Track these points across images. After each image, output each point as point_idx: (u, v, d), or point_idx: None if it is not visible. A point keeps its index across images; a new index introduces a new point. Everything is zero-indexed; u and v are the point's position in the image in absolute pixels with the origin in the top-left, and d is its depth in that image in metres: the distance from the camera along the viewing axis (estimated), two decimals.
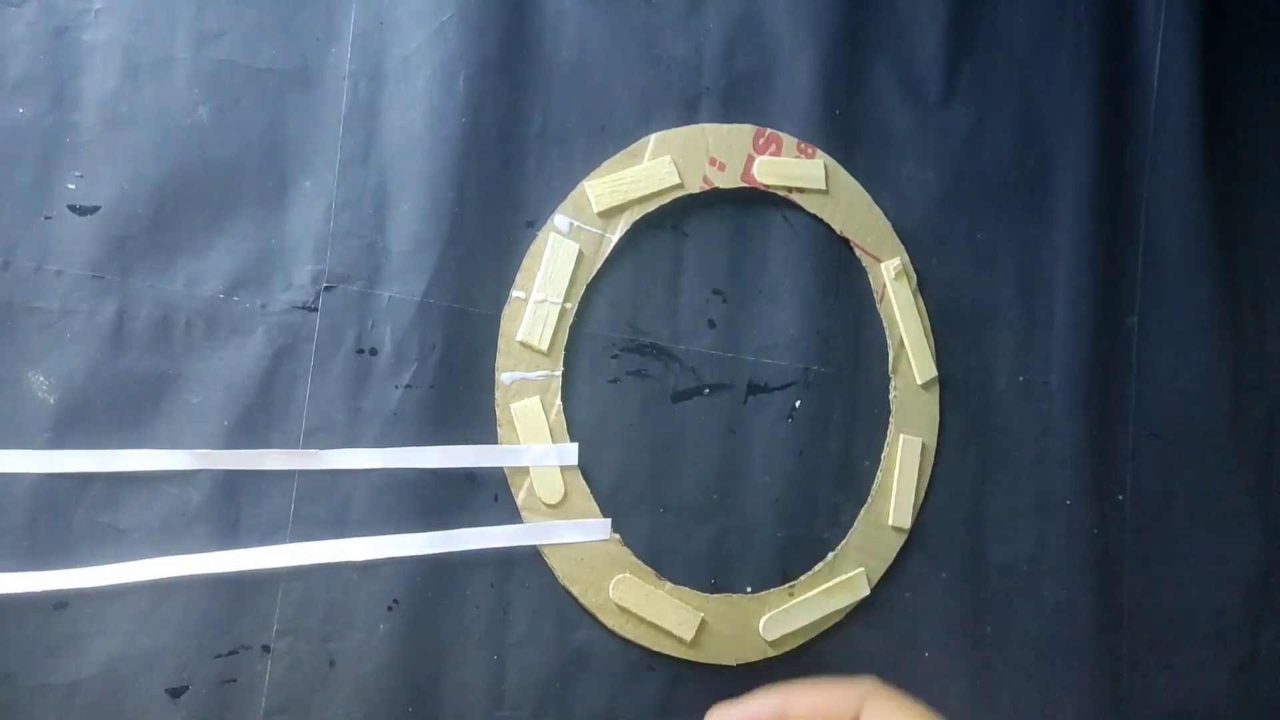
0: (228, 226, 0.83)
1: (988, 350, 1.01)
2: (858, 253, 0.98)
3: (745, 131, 0.95)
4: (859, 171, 0.98)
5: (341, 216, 0.85)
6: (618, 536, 0.89)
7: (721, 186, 0.94)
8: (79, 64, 0.81)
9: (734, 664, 0.91)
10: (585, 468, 0.89)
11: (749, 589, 0.93)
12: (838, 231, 0.97)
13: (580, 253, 0.90)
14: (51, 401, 0.79)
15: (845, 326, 0.98)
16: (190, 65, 0.83)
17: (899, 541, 0.97)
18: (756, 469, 0.94)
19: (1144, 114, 1.07)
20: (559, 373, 0.89)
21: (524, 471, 0.87)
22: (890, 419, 0.98)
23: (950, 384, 1.00)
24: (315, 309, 0.85)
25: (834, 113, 0.98)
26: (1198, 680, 1.03)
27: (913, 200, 1.00)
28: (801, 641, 0.93)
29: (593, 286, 0.91)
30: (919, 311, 0.99)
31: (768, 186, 0.95)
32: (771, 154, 0.95)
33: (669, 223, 0.94)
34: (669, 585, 0.90)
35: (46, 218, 0.80)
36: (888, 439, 0.97)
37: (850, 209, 0.97)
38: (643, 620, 0.89)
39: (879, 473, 0.97)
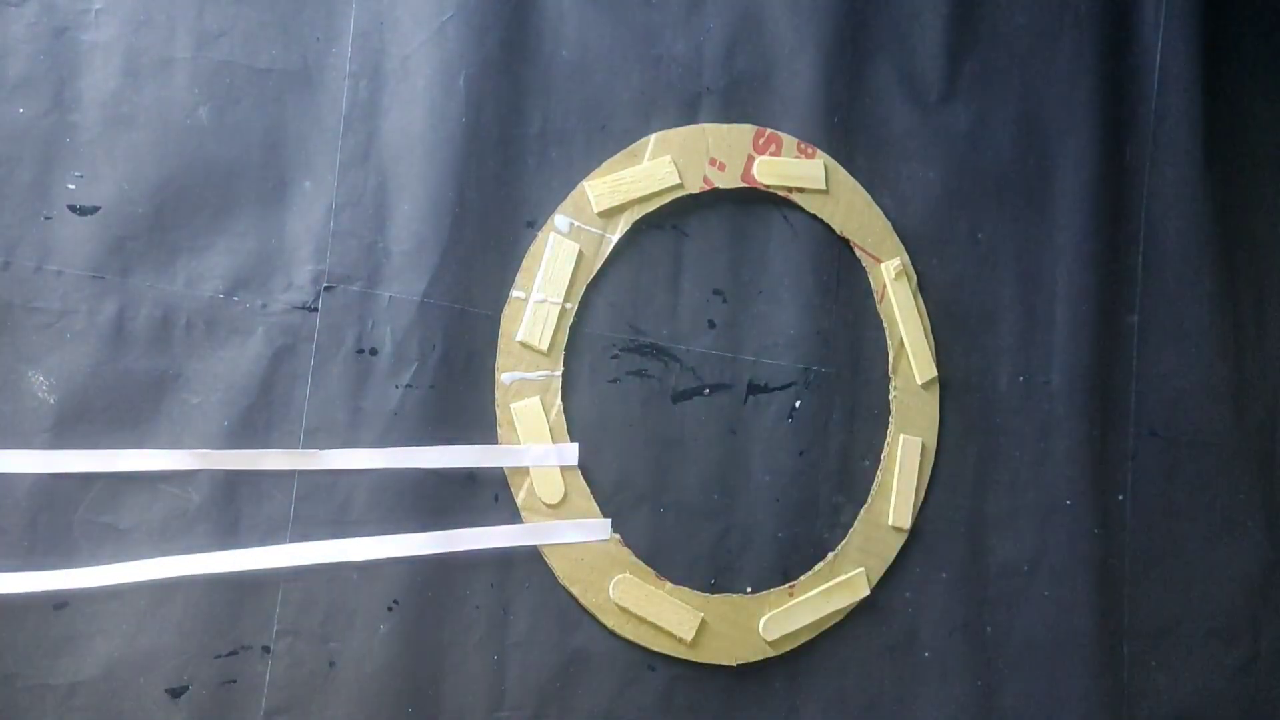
0: (228, 226, 0.83)
1: (988, 350, 1.01)
2: (858, 253, 0.98)
3: (745, 131, 0.95)
4: (859, 171, 0.98)
5: (341, 216, 0.85)
6: (618, 536, 0.89)
7: (721, 186, 0.94)
8: (79, 64, 0.81)
9: (734, 664, 0.91)
10: (585, 468, 0.89)
11: (749, 589, 0.93)
12: (838, 231, 0.97)
13: (580, 253, 0.90)
14: (51, 401, 0.79)
15: (845, 326, 0.98)
16: (190, 65, 0.83)
17: (899, 541, 0.97)
18: (757, 469, 0.94)
19: (1144, 114, 1.07)
20: (559, 373, 0.89)
21: (524, 471, 0.87)
22: (890, 419, 0.98)
23: (950, 384, 1.00)
24: (315, 309, 0.85)
25: (834, 113, 0.98)
26: (1198, 680, 1.03)
27: (913, 200, 1.00)
28: (801, 641, 0.93)
29: (593, 286, 0.91)
30: (919, 311, 0.99)
31: (768, 186, 0.95)
32: (771, 154, 0.95)
33: (669, 223, 0.94)
34: (669, 585, 0.90)
35: (46, 218, 0.80)
36: (888, 439, 0.97)
37: (850, 209, 0.97)
38: (643, 620, 0.89)
39: (879, 473, 0.97)
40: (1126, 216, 1.06)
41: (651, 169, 0.92)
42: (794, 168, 0.95)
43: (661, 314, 0.93)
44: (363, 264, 0.85)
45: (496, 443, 0.87)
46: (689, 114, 0.94)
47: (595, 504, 0.89)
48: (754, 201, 0.96)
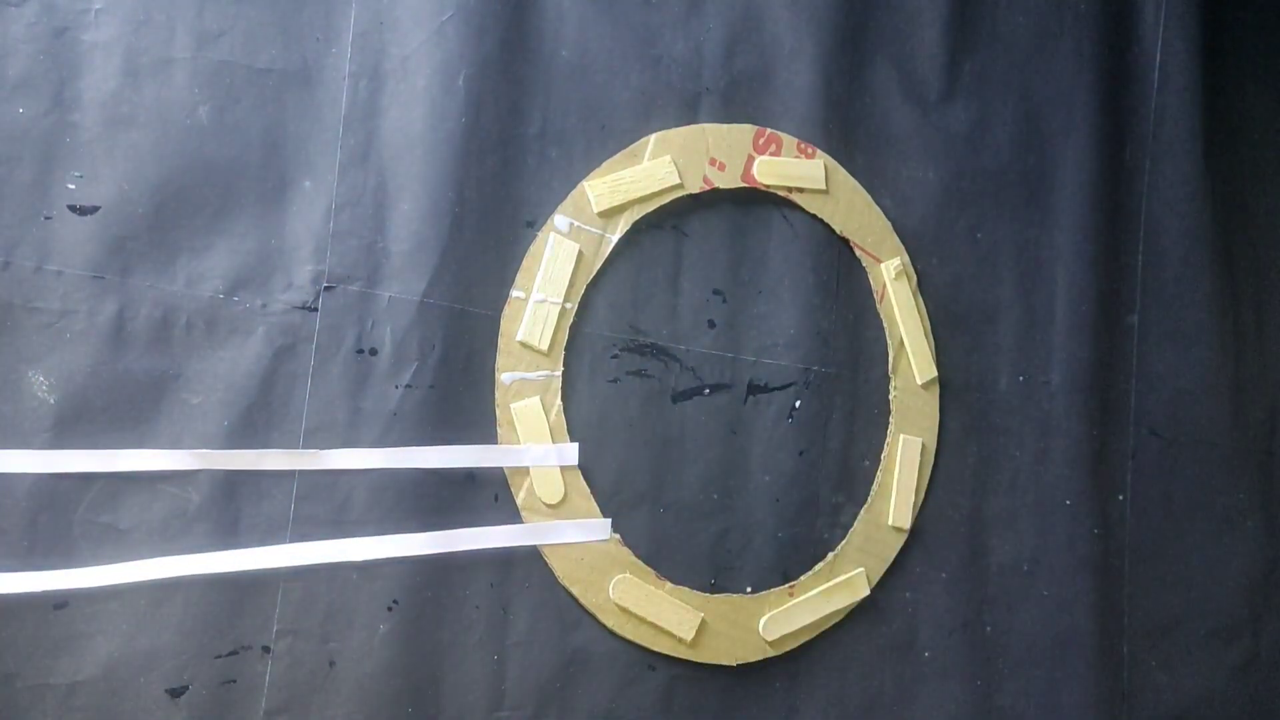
0: (228, 226, 0.83)
1: (988, 350, 1.01)
2: (858, 253, 0.98)
3: (745, 131, 0.95)
4: (859, 171, 0.98)
5: (341, 216, 0.85)
6: (618, 536, 0.89)
7: (721, 186, 0.94)
8: (79, 64, 0.81)
9: (734, 664, 0.91)
10: (585, 468, 0.89)
11: (749, 589, 0.93)
12: (838, 231, 0.97)
13: (580, 253, 0.90)
14: (51, 401, 0.79)
15: (845, 326, 0.98)
16: (190, 65, 0.83)
17: (899, 541, 0.97)
18: (757, 469, 0.94)
19: (1144, 113, 1.07)
20: (559, 373, 0.89)
21: (524, 471, 0.87)
22: (890, 419, 0.98)
23: (950, 384, 1.00)
24: (315, 309, 0.85)
25: (834, 113, 0.98)
26: (1199, 679, 1.03)
27: (913, 200, 1.00)
28: (801, 641, 0.93)
29: (593, 286, 0.91)
30: (919, 311, 0.99)
31: (768, 186, 0.95)
32: (771, 154, 0.95)
33: (669, 223, 0.94)
34: (669, 585, 0.90)
35: (46, 218, 0.80)
36: (888, 439, 0.97)
37: (850, 209, 0.97)
38: (643, 620, 0.89)
39: (879, 473, 0.97)
40: (1126, 216, 1.06)
41: (651, 169, 0.92)
42: (794, 168, 0.95)
43: (661, 314, 0.93)
44: (363, 264, 0.85)
45: (496, 443, 0.87)
46: (689, 114, 0.94)
47: (595, 504, 0.89)
48: (754, 201, 0.96)
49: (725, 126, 0.95)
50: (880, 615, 0.96)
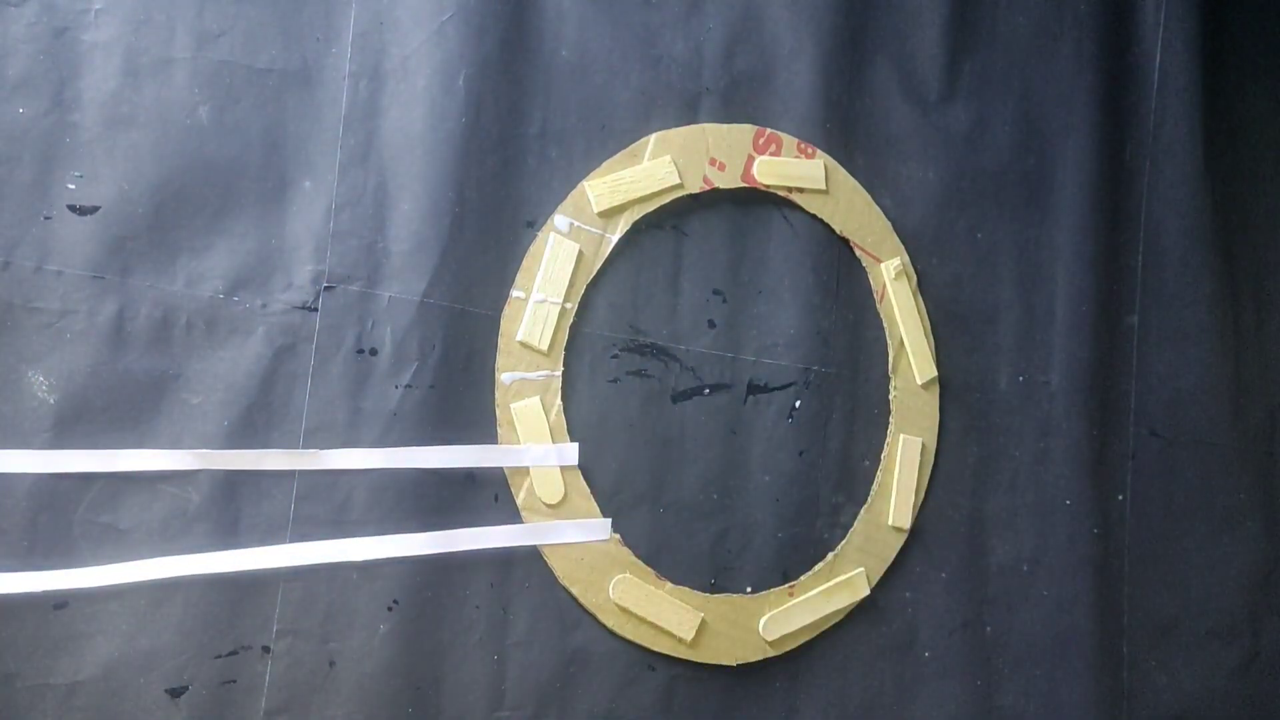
0: (228, 226, 0.83)
1: (988, 350, 1.01)
2: (858, 253, 0.98)
3: (745, 131, 0.95)
4: (859, 171, 0.98)
5: (341, 216, 0.85)
6: (618, 536, 0.89)
7: (721, 186, 0.94)
8: (79, 64, 0.81)
9: (734, 664, 0.91)
10: (585, 468, 0.89)
11: (749, 589, 0.93)
12: (838, 231, 0.97)
13: (580, 253, 0.90)
14: (51, 401, 0.79)
15: (845, 326, 0.98)
16: (190, 65, 0.83)
17: (899, 541, 0.97)
18: (757, 469, 0.94)
19: (1144, 114, 1.07)
20: (559, 373, 0.89)
21: (524, 471, 0.87)
22: (890, 419, 0.98)
23: (950, 384, 1.00)
24: (315, 309, 0.85)
25: (834, 113, 0.98)
26: (1198, 679, 1.03)
27: (913, 200, 1.00)
28: (801, 641, 0.93)
29: (593, 286, 0.91)
30: (919, 311, 0.99)
31: (768, 186, 0.95)
32: (771, 154, 0.95)
33: (669, 223, 0.94)
34: (669, 585, 0.90)
35: (46, 218, 0.80)
36: (888, 439, 0.97)
37: (850, 209, 0.97)
38: (643, 620, 0.89)
39: (879, 473, 0.97)
40: (1126, 216, 1.06)
41: (651, 169, 0.92)
42: (794, 168, 0.95)
43: (661, 314, 0.93)
44: (363, 264, 0.85)
45: (496, 443, 0.87)
46: (689, 114, 0.94)
47: (595, 504, 0.89)
48: (754, 201, 0.96)
49: (725, 126, 0.95)
50: (880, 615, 0.96)
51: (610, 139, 0.92)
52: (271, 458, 0.82)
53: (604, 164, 0.91)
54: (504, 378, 0.88)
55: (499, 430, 0.87)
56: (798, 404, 0.95)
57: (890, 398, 0.98)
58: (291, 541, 0.82)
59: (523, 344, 0.88)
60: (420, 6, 0.87)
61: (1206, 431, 1.06)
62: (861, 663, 0.94)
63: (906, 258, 0.99)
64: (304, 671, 0.82)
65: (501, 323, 0.88)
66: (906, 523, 0.96)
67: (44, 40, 0.80)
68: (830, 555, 0.95)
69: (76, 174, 0.80)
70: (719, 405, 0.94)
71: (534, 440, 0.87)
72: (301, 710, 0.81)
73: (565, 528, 0.88)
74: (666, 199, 0.92)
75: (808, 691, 0.93)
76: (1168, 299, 1.06)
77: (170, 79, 0.83)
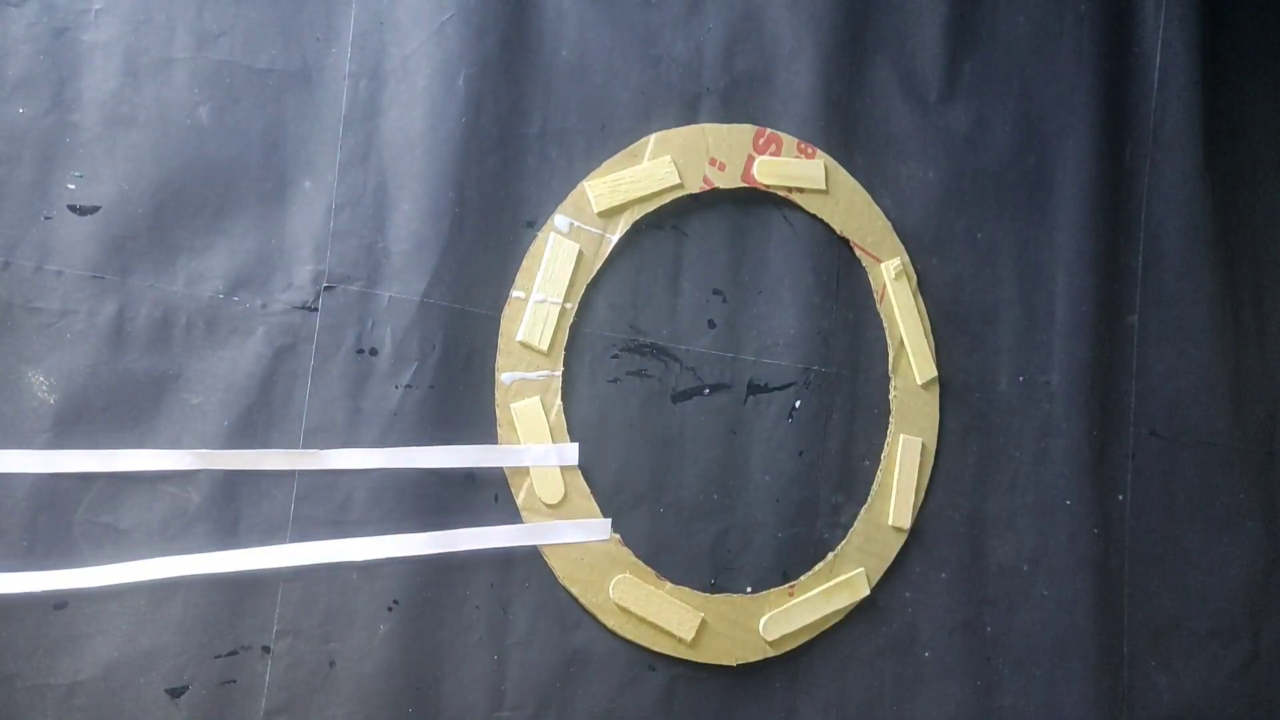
0: (228, 226, 0.83)
1: (988, 350, 1.01)
2: (858, 253, 0.98)
3: (745, 131, 0.95)
4: (859, 171, 0.98)
5: (341, 216, 0.85)
6: (618, 536, 0.89)
7: (721, 186, 0.94)
8: (79, 64, 0.81)
9: (734, 664, 0.91)
10: (585, 468, 0.89)
11: (749, 589, 0.93)
12: (838, 231, 0.97)
13: (580, 253, 0.90)
14: (51, 401, 0.79)
15: (845, 326, 0.98)
16: (190, 65, 0.83)
17: (899, 541, 0.97)
18: (757, 469, 0.94)
19: (1144, 114, 1.07)
20: (559, 373, 0.89)
21: (524, 471, 0.87)
22: (890, 419, 0.98)
23: (950, 384, 1.00)
24: (315, 309, 0.85)
25: (834, 113, 0.98)
26: (1199, 679, 1.03)
27: (913, 200, 1.00)
28: (801, 641, 0.93)
29: (593, 286, 0.91)
30: (919, 311, 0.99)
31: (768, 186, 0.95)
32: (771, 154, 0.95)
33: (669, 223, 0.94)
34: (669, 585, 0.90)
35: (46, 218, 0.80)
36: (888, 439, 0.97)
37: (850, 209, 0.97)
38: (643, 620, 0.89)
39: (879, 473, 0.97)
40: (1126, 216, 1.06)
41: (651, 169, 0.92)
42: (794, 168, 0.95)
43: (661, 314, 0.93)
44: (363, 264, 0.85)
45: (496, 443, 0.87)
46: (689, 114, 0.94)
47: (595, 504, 0.89)
48: (754, 201, 0.96)
49: (725, 126, 0.95)
50: (880, 615, 0.96)
51: (610, 139, 0.92)
52: (271, 458, 0.82)
53: (604, 164, 0.91)
54: (504, 378, 0.88)
55: (499, 430, 0.87)
56: (798, 404, 0.95)
57: (890, 398, 0.98)
58: (291, 541, 0.82)
59: (523, 344, 0.88)
60: (420, 6, 0.87)
61: (1206, 431, 1.06)
62: (861, 663, 0.94)
63: (906, 258, 0.99)
64: (304, 671, 0.82)
65: (501, 323, 0.88)
66: (906, 523, 0.96)
67: (44, 40, 0.80)
68: (830, 555, 0.94)
69: (76, 174, 0.80)
70: (719, 405, 0.94)
71: (534, 440, 0.87)
72: (301, 710, 0.81)
73: (565, 528, 0.88)
74: (666, 199, 0.92)
75: (808, 691, 0.93)
76: (1168, 299, 1.06)
77: (170, 79, 0.83)
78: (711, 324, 0.94)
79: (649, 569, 0.90)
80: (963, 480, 0.99)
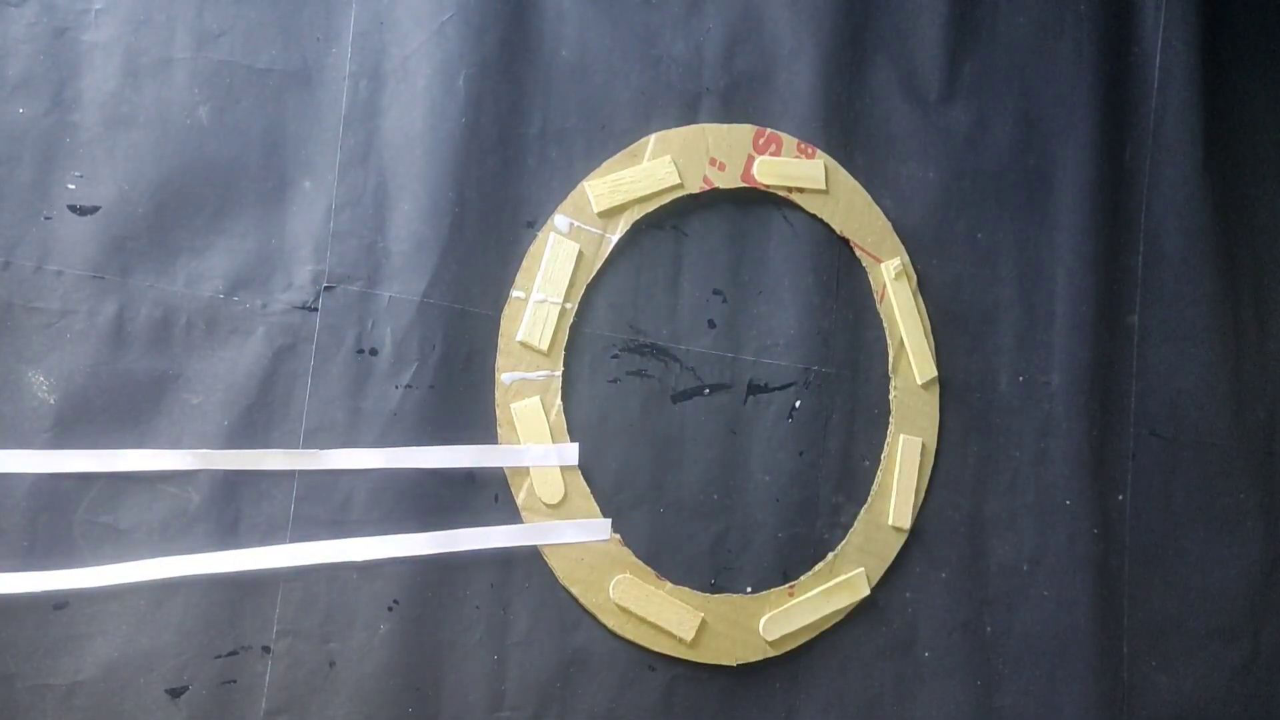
0: (228, 226, 0.83)
1: (988, 350, 1.01)
2: (858, 253, 0.98)
3: (745, 131, 0.95)
4: (859, 171, 0.98)
5: (341, 216, 0.85)
6: (618, 536, 0.89)
7: (721, 186, 0.94)
8: (79, 64, 0.81)
9: (734, 664, 0.91)
10: (585, 468, 0.89)
11: (749, 589, 0.93)
12: (838, 231, 0.97)
13: (580, 253, 0.90)
14: (51, 401, 0.79)
15: (845, 326, 0.98)
16: (190, 65, 0.83)
17: (899, 541, 0.97)
18: (757, 469, 0.94)
19: (1144, 114, 1.07)
20: (559, 373, 0.89)
21: (524, 471, 0.87)
22: (890, 419, 0.98)
23: (950, 384, 1.00)
24: (315, 309, 0.85)
25: (834, 113, 0.98)
26: (1199, 679, 1.03)
27: (913, 200, 1.00)
28: (801, 641, 0.93)
29: (593, 286, 0.91)
30: (919, 311, 0.99)
31: (768, 186, 0.95)
32: (771, 154, 0.95)
33: (669, 223, 0.94)
34: (669, 585, 0.90)
35: (46, 218, 0.80)
36: (888, 439, 0.97)
37: (850, 209, 0.97)
38: (643, 620, 0.89)
39: (879, 473, 0.97)
40: (1126, 216, 1.06)
41: (651, 169, 0.92)
42: (794, 168, 0.95)
43: (661, 314, 0.93)
44: (363, 264, 0.85)
45: (496, 443, 0.87)
46: (689, 114, 0.94)
47: (595, 504, 0.89)
48: (754, 201, 0.96)
49: (725, 126, 0.95)
50: (880, 615, 0.96)
51: (610, 139, 0.92)
52: (271, 458, 0.82)
53: (604, 164, 0.91)
54: (504, 378, 0.88)
55: (499, 430, 0.87)
56: (798, 404, 0.95)
57: (890, 398, 0.98)
58: (291, 541, 0.82)
59: (523, 344, 0.88)
60: (420, 6, 0.87)
61: (1207, 431, 1.06)
62: (861, 663, 0.94)
63: (906, 258, 0.99)
64: (304, 671, 0.82)
65: (501, 323, 0.88)
66: (906, 523, 0.96)
67: (44, 40, 0.80)
68: (830, 555, 0.94)
69: (76, 174, 0.80)
70: (719, 405, 0.94)
71: (534, 440, 0.87)
72: (301, 710, 0.81)
73: (565, 528, 0.88)
74: (666, 199, 0.92)
75: (808, 691, 0.93)
76: (1168, 299, 1.06)
77: (170, 79, 0.83)
78: (711, 324, 0.94)
79: (649, 569, 0.90)
80: (963, 480, 0.99)
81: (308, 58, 0.86)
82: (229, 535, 0.81)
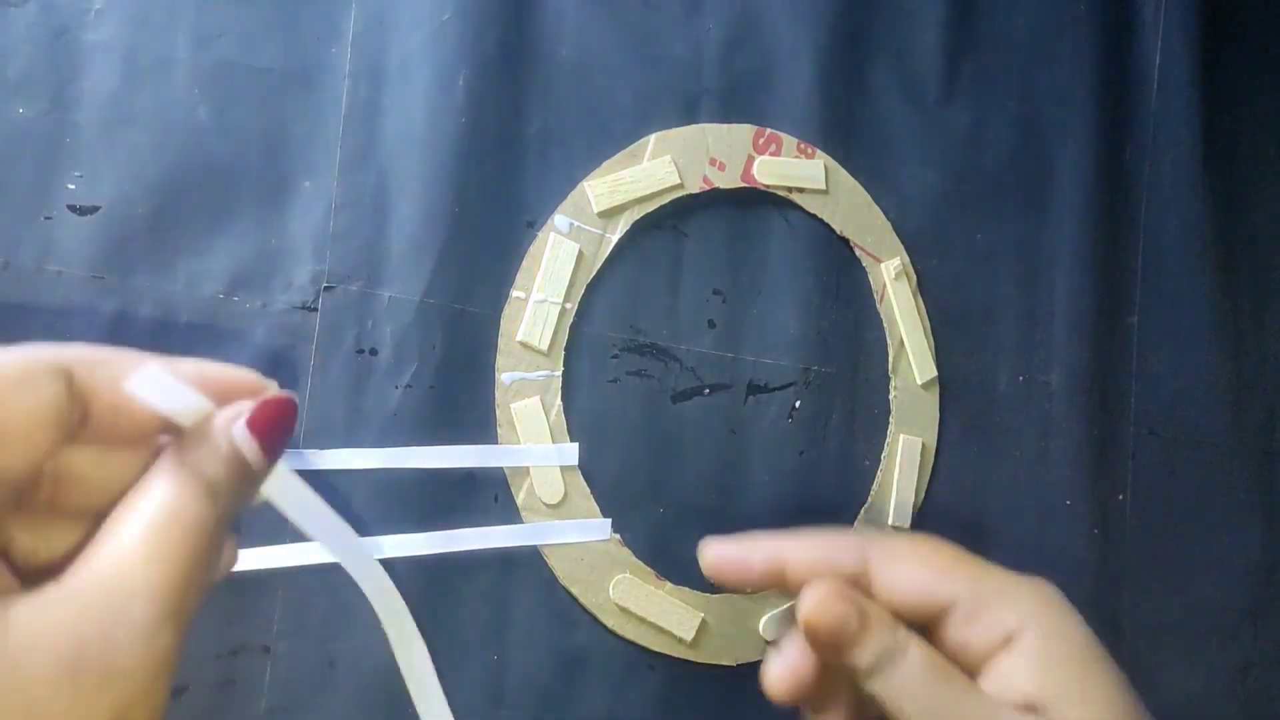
0: (228, 227, 0.83)
1: (988, 350, 1.01)
2: (858, 253, 0.98)
3: (745, 131, 0.95)
4: (859, 171, 0.98)
5: (341, 216, 0.85)
6: (618, 536, 0.89)
7: (721, 186, 0.94)
8: (79, 64, 0.81)
9: (734, 664, 0.91)
10: (585, 468, 0.89)
11: (749, 589, 0.93)
12: (838, 231, 0.97)
13: (580, 253, 0.90)
14: None
15: (845, 326, 0.98)
16: (190, 65, 0.83)
17: None
18: (757, 469, 0.94)
19: (1144, 114, 1.07)
20: (559, 373, 0.89)
21: (524, 471, 0.87)
22: (890, 419, 0.98)
23: (950, 384, 1.00)
24: (315, 309, 0.85)
25: (834, 113, 0.98)
26: (1199, 680, 1.03)
27: (913, 200, 1.00)
28: None
29: (593, 286, 0.91)
30: (919, 311, 0.99)
31: (768, 186, 0.95)
32: (771, 154, 0.95)
33: (669, 223, 0.94)
34: (669, 585, 0.90)
35: (46, 218, 0.80)
36: (888, 439, 0.97)
37: (850, 209, 0.97)
38: (643, 620, 0.89)
39: (879, 473, 0.97)
40: (1126, 216, 1.06)
41: (651, 169, 0.92)
42: (794, 168, 0.95)
43: (661, 314, 0.93)
44: (363, 264, 0.85)
45: (496, 443, 0.87)
46: (689, 114, 0.94)
47: (595, 504, 0.89)
48: (754, 201, 0.96)
49: (725, 126, 0.95)
50: None
51: (610, 139, 0.92)
52: None
53: (604, 164, 0.91)
54: (504, 378, 0.88)
55: (499, 430, 0.87)
56: (798, 404, 0.95)
57: (890, 398, 0.98)
58: (291, 542, 0.82)
59: (523, 344, 0.88)
60: (420, 6, 0.88)
61: (1207, 431, 1.06)
62: None
63: (906, 258, 0.99)
64: (304, 671, 0.82)
65: (501, 323, 0.88)
66: (906, 522, 0.96)
67: (44, 40, 0.80)
68: None
69: (76, 174, 0.80)
70: (719, 405, 0.94)
71: (534, 440, 0.87)
72: (301, 710, 0.81)
73: (565, 528, 0.88)
74: (666, 199, 0.92)
75: None
76: (1168, 299, 1.06)
77: (170, 79, 0.83)
78: (711, 324, 0.94)
79: (649, 569, 0.90)
80: (963, 480, 0.99)
81: (308, 58, 0.86)
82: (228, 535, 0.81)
